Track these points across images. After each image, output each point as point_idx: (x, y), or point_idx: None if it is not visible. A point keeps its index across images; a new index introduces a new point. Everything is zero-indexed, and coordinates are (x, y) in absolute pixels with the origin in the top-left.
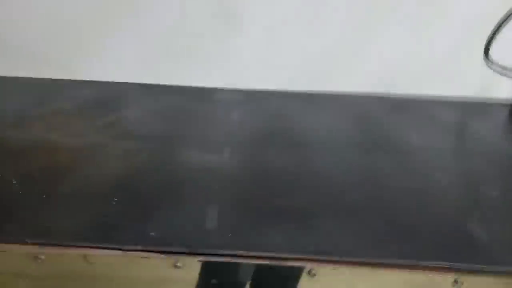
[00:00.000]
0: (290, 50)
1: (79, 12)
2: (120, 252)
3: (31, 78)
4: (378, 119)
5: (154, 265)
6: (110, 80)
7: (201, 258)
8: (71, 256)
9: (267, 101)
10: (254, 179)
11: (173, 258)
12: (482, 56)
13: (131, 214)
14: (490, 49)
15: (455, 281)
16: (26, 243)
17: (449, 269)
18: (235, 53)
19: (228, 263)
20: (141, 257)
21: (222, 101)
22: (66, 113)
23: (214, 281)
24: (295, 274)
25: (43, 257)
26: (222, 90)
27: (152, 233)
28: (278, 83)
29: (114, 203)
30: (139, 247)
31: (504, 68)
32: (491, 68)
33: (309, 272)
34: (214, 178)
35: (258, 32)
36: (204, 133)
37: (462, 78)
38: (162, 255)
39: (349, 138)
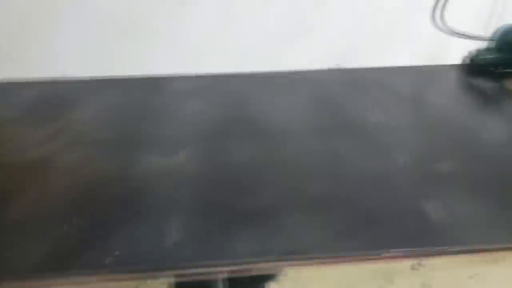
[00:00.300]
0: (243, 29)
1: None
2: (81, 279)
3: None
4: (336, 97)
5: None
6: (54, 76)
7: (168, 275)
8: None
9: (224, 85)
10: (217, 180)
11: (138, 278)
12: (432, 20)
13: (89, 235)
14: (440, 12)
15: (418, 265)
16: None
17: (411, 255)
18: (186, 35)
19: (197, 276)
20: (104, 281)
21: (176, 91)
22: (6, 121)
23: None
24: (266, 278)
25: None
26: (174, 78)
27: (115, 254)
28: (233, 64)
29: (69, 224)
30: (101, 271)
31: (453, 30)
32: (441, 31)
33: (280, 274)
34: (175, 183)
35: (210, 12)
36: (160, 131)
37: (413, 45)
38: (127, 277)
39: (309, 120)
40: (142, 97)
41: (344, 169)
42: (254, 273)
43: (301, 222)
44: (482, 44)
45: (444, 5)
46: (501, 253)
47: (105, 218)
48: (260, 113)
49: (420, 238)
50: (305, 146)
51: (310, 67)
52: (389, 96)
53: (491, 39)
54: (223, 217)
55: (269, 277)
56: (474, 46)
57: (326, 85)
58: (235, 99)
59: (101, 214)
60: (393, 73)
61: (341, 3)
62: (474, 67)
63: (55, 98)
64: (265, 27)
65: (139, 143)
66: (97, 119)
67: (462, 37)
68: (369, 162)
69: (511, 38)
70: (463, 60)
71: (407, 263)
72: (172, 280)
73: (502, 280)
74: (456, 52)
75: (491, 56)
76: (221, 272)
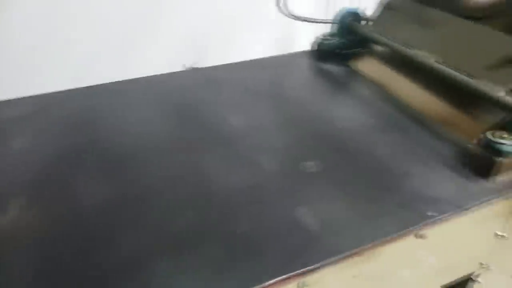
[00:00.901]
0: (79, 38)
1: None
2: None
3: None
4: (191, 101)
5: None
6: None
7: None
8: None
9: (61, 106)
10: (62, 237)
11: None
12: (277, 8)
13: None
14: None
15: (301, 285)
16: None
17: (295, 276)
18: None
19: None
20: None
21: None
22: None
23: None
24: None
25: None
26: None
27: None
28: (69, 79)
29: None
30: None
31: (298, 16)
32: (287, 17)
33: None
34: (5, 251)
35: (38, 22)
36: None
37: (264, 36)
38: None
39: (165, 133)
40: None
41: (211, 188)
42: None
43: (171, 269)
44: (326, 28)
45: None
46: (375, 249)
47: None
48: (109, 134)
49: (301, 255)
50: (165, 168)
51: (160, 71)
52: (246, 93)
53: (333, 23)
54: None
55: None
56: (320, 31)
57: (179, 89)
58: (76, 121)
59: None
60: (247, 68)
61: (183, 2)
62: (322, 52)
63: None
64: (104, 34)
65: None
66: None
67: (306, 22)
68: (236, 175)
69: (350, 21)
70: (312, 46)
71: (293, 283)
72: None
73: (381, 274)
74: (305, 38)
75: (335, 40)
76: None
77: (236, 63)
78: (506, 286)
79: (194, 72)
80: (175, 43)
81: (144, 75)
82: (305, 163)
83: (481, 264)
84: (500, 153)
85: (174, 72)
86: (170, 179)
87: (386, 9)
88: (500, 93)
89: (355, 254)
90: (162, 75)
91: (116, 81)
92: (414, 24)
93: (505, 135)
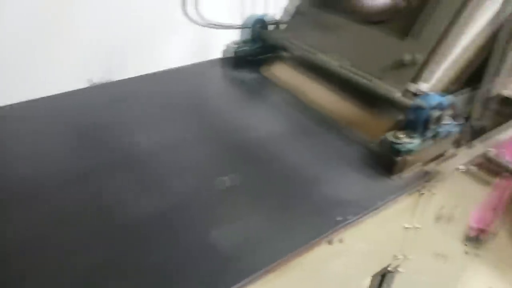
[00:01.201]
0: None
1: None
2: None
3: None
4: (99, 120)
5: None
6: None
7: None
8: None
9: None
10: None
11: None
12: (185, 15)
13: None
14: (194, 6)
15: None
16: None
17: None
18: None
19: None
20: None
21: None
22: None
23: None
24: None
25: None
26: None
27: None
28: None
29: None
30: None
31: (210, 22)
32: (198, 25)
33: None
34: None
35: None
36: None
37: (176, 44)
38: None
39: (68, 161)
40: None
41: (118, 219)
42: None
43: None
44: (239, 35)
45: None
46: (289, 262)
47: None
48: (13, 163)
49: (216, 281)
50: (64, 203)
51: (62, 89)
52: (157, 108)
53: (244, 28)
54: None
55: None
56: (234, 37)
57: (83, 109)
58: None
59: None
60: (159, 79)
61: (85, 15)
62: (236, 59)
63: None
64: None
65: None
66: None
67: (219, 28)
68: (145, 201)
69: (260, 27)
70: (224, 53)
71: None
72: None
73: (298, 285)
74: (220, 44)
75: (248, 46)
76: None
77: (147, 75)
78: (427, 268)
79: (100, 88)
80: (79, 57)
81: (43, 95)
82: (220, 179)
83: (395, 256)
84: (399, 152)
85: (78, 89)
86: (70, 214)
87: (293, 15)
88: (396, 94)
89: (270, 270)
90: (63, 93)
91: (7, 105)
92: (319, 29)
93: (402, 135)
